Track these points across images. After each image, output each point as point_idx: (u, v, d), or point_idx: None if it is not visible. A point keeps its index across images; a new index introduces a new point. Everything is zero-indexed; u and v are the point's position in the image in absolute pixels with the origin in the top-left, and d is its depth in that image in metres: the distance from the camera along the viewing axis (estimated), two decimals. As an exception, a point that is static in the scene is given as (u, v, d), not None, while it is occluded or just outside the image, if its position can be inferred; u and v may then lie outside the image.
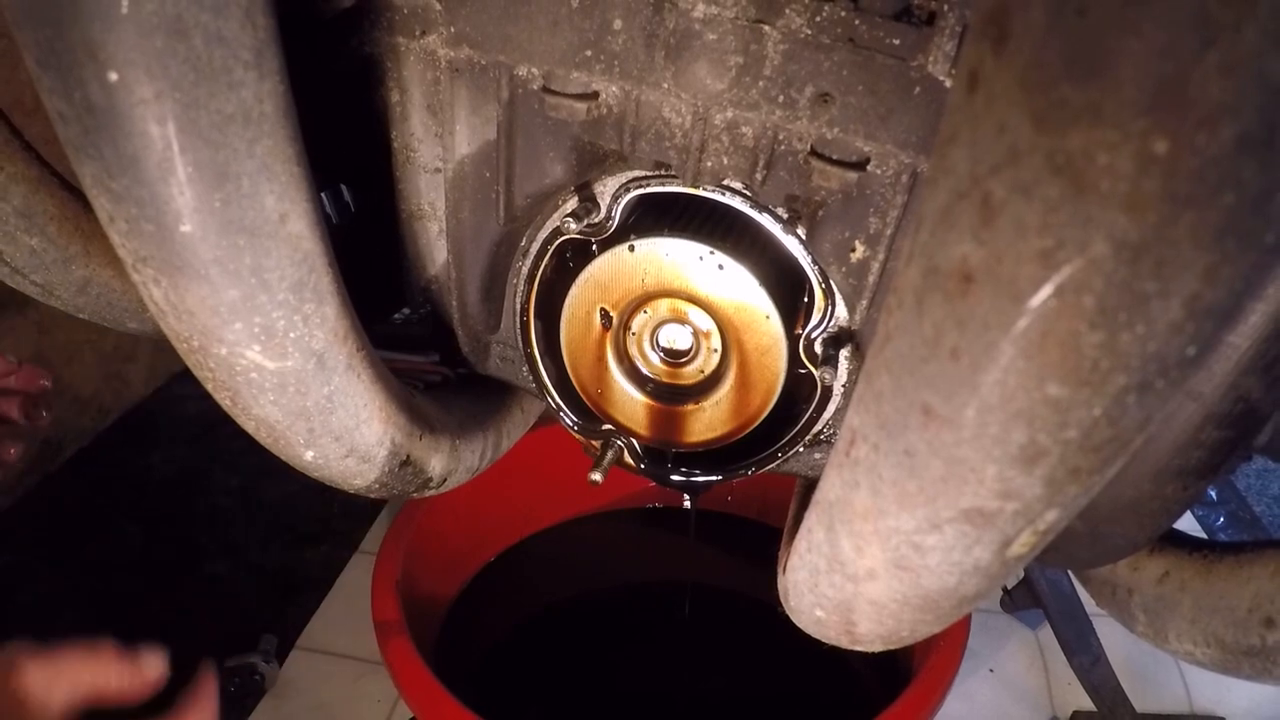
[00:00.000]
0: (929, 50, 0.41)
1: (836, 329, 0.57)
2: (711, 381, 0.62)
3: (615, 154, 0.52)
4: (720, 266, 0.54)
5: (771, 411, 0.61)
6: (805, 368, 0.58)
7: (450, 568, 1.18)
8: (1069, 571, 0.95)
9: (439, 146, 0.54)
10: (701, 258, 0.55)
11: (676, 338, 0.61)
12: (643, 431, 0.65)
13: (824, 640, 0.47)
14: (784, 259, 0.55)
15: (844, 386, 0.59)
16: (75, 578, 1.22)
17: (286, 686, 1.12)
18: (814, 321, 0.57)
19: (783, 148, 0.47)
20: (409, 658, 0.87)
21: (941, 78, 0.42)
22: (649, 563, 1.29)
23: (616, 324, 0.61)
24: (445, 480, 0.62)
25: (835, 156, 0.46)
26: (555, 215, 0.59)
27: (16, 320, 1.25)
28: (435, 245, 0.60)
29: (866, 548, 0.35)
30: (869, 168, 0.46)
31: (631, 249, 0.55)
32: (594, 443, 0.68)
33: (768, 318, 0.55)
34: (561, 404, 0.68)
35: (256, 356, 0.40)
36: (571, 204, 0.57)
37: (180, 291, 0.37)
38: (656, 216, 0.56)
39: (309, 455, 0.48)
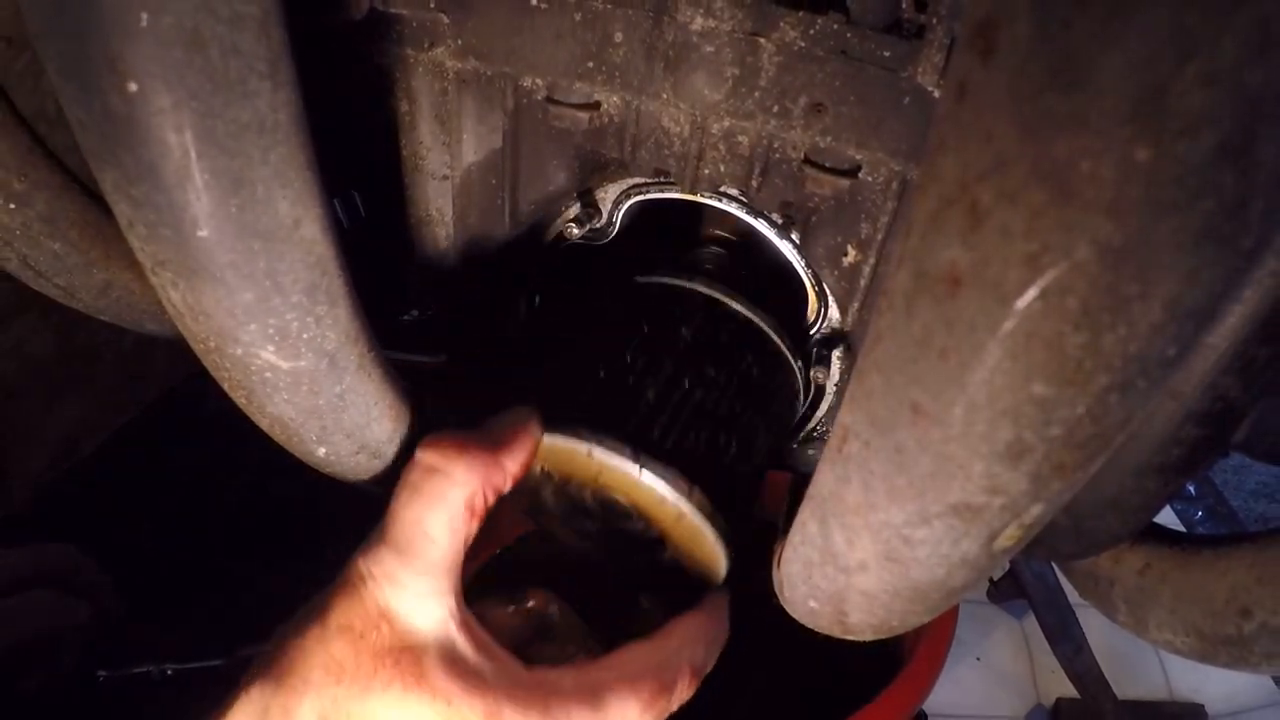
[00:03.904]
0: (918, 62, 0.41)
1: (829, 330, 0.57)
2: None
3: (616, 161, 0.52)
4: (680, 516, 0.47)
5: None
6: (799, 367, 0.58)
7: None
8: (1053, 564, 0.95)
9: (447, 154, 0.54)
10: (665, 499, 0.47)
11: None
12: None
13: (816, 630, 0.47)
14: (778, 264, 0.55)
15: (836, 385, 0.59)
16: (95, 570, 1.22)
17: (299, 675, 1.12)
18: (807, 323, 0.57)
19: (777, 155, 0.47)
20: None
21: (930, 88, 0.42)
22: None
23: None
24: (452, 476, 0.62)
25: (828, 164, 0.46)
26: (558, 221, 0.59)
27: (39, 322, 1.25)
28: (443, 249, 0.60)
29: (858, 541, 0.35)
30: (860, 175, 0.46)
31: (590, 454, 0.46)
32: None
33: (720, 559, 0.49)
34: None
35: (271, 357, 0.40)
36: (574, 210, 0.57)
37: (197, 294, 0.37)
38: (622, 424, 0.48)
39: (321, 452, 0.48)
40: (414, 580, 0.41)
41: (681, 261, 0.66)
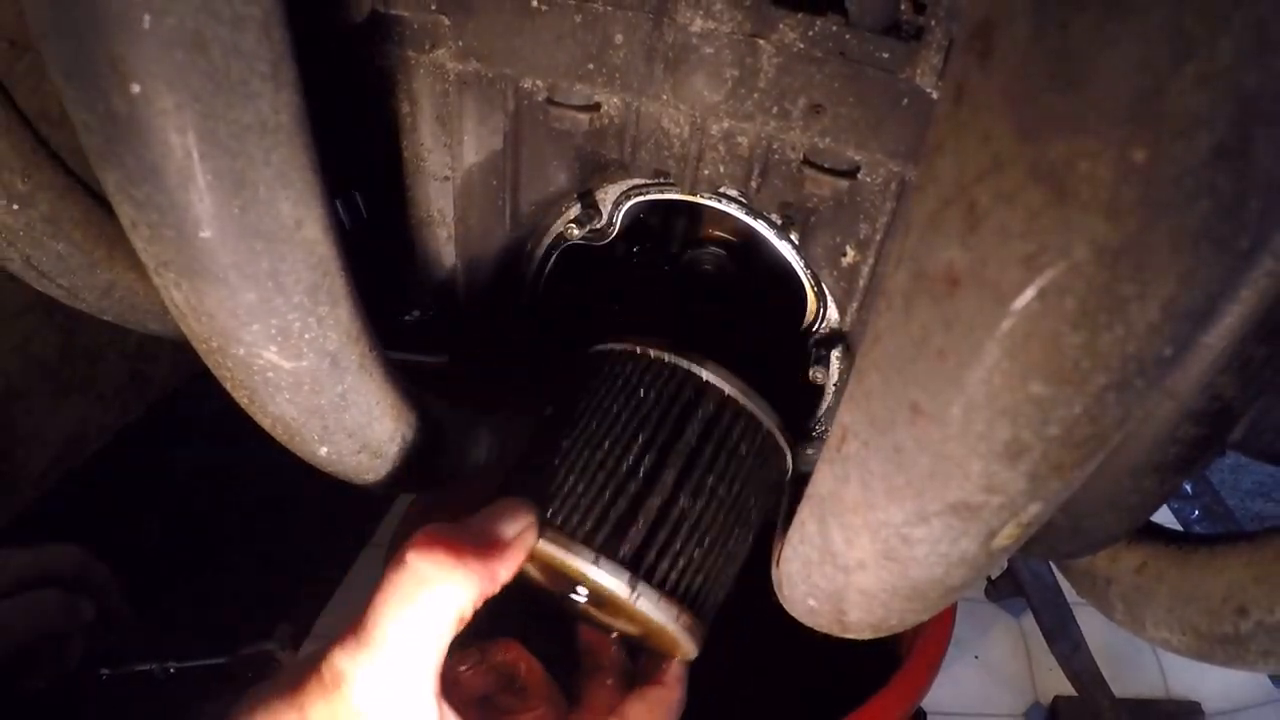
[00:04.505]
0: (917, 63, 0.41)
1: (828, 330, 0.57)
2: None
3: (616, 163, 0.52)
4: (663, 629, 0.49)
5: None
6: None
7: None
8: (1050, 562, 0.95)
9: (448, 155, 0.54)
10: (653, 618, 0.49)
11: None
12: None
13: (816, 628, 0.47)
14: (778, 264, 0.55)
15: (835, 385, 0.59)
16: (99, 568, 1.22)
17: (301, 673, 1.11)
18: (806, 323, 0.57)
19: (777, 156, 0.47)
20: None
21: (929, 89, 0.42)
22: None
23: None
24: (453, 475, 0.62)
25: (827, 165, 0.46)
26: (559, 221, 0.59)
27: (43, 322, 1.25)
28: (444, 250, 0.60)
29: (857, 540, 0.35)
30: (859, 176, 0.46)
31: (585, 574, 0.48)
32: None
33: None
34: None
35: (273, 357, 0.40)
36: (574, 211, 0.57)
37: (200, 294, 0.37)
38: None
39: (323, 451, 0.48)
40: (397, 686, 0.40)
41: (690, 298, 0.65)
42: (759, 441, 0.53)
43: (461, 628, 0.42)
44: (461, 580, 0.40)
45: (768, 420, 0.54)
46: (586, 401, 0.53)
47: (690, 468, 0.51)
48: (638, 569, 0.47)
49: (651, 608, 0.47)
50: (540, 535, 0.47)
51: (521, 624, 0.54)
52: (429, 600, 0.40)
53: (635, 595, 0.47)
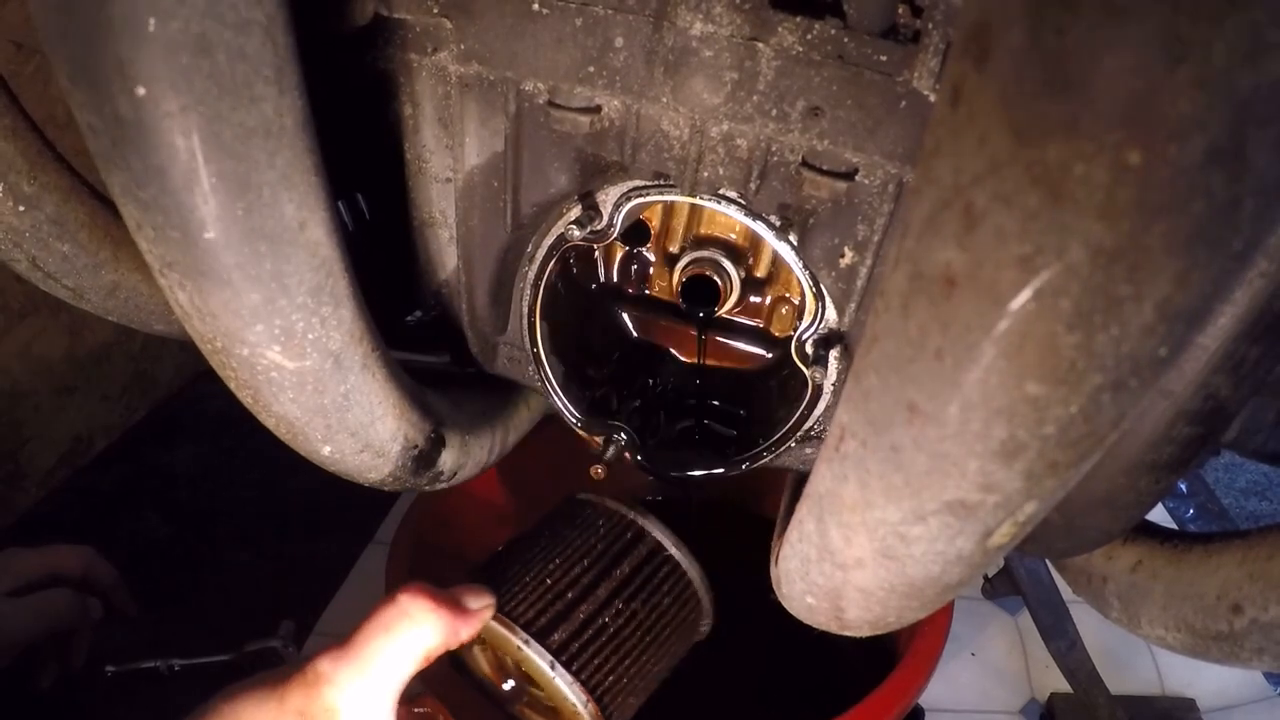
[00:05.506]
0: (914, 66, 0.41)
1: (826, 330, 0.57)
2: None
3: (617, 165, 0.52)
4: (576, 713, 0.60)
5: (764, 411, 0.61)
6: (797, 367, 0.58)
7: (460, 557, 1.18)
8: (1047, 560, 0.95)
9: (449, 157, 0.54)
10: (568, 697, 0.60)
11: None
12: None
13: (814, 625, 0.47)
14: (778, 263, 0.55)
15: (834, 385, 0.59)
16: (104, 567, 1.22)
17: (305, 670, 1.11)
18: (805, 324, 0.57)
19: (775, 159, 0.47)
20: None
21: (926, 92, 0.42)
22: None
23: None
24: (456, 474, 0.62)
25: (825, 167, 0.46)
26: (560, 223, 0.59)
27: (49, 323, 1.25)
28: (446, 251, 0.60)
29: (855, 538, 0.35)
30: (857, 178, 0.46)
31: (519, 649, 0.59)
32: (596, 438, 0.68)
33: None
34: (565, 401, 0.68)
35: (276, 357, 0.40)
36: (575, 212, 0.57)
37: (204, 295, 0.37)
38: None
39: (326, 450, 0.48)
40: (365, 695, 0.49)
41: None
42: (678, 586, 0.69)
43: (425, 664, 0.52)
44: (435, 623, 0.51)
45: (691, 571, 0.70)
46: (553, 529, 0.69)
47: (618, 592, 0.65)
48: (560, 655, 0.60)
49: (565, 687, 0.59)
50: (493, 616, 0.59)
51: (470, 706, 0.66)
52: (408, 631, 0.50)
53: (554, 674, 0.59)
